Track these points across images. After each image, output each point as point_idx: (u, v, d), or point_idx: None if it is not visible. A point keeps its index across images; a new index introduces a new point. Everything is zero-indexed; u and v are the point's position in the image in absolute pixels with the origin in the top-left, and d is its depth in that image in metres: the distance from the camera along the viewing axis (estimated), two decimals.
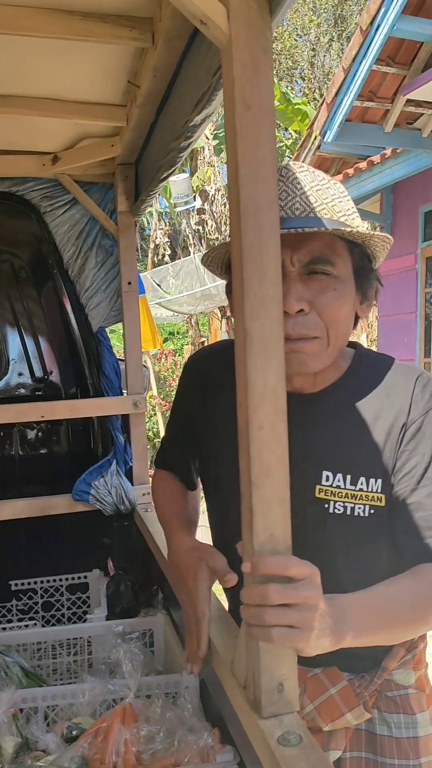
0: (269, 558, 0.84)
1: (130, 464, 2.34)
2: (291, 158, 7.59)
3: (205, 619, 1.11)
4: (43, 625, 2.16)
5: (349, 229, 1.01)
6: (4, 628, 2.13)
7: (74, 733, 1.28)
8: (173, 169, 1.54)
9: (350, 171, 7.11)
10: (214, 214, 13.83)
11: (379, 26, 5.54)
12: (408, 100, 6.20)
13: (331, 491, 1.12)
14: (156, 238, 13.39)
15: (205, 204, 13.69)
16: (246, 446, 0.85)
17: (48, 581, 2.21)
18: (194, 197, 13.42)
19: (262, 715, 0.86)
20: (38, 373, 2.44)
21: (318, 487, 1.13)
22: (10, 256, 2.37)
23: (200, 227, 13.82)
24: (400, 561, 1.11)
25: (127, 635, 1.55)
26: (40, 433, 2.48)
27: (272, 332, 0.84)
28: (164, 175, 1.61)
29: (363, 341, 13.73)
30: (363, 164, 6.95)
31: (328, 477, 1.13)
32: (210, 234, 13.94)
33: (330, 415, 1.15)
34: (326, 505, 1.12)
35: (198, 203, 13.16)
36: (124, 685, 1.31)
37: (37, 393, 2.43)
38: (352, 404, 1.14)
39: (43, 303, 2.40)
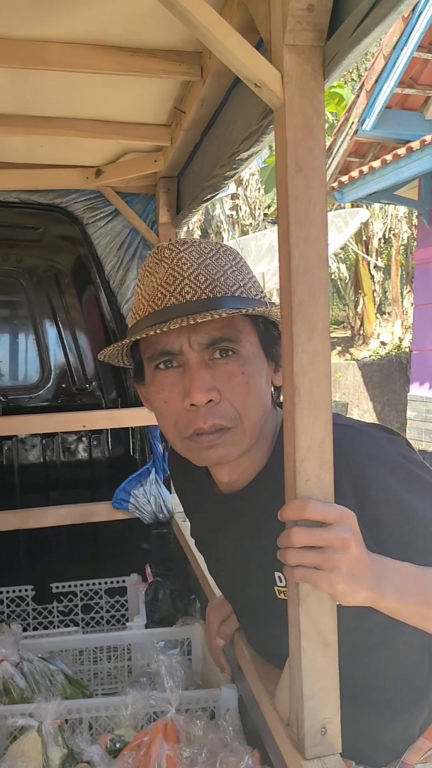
0: (291, 502, 0.84)
1: (168, 473, 2.37)
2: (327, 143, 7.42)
3: (216, 649, 1.37)
4: (82, 627, 2.23)
5: (244, 310, 0.94)
6: (45, 627, 2.20)
7: (117, 745, 1.33)
8: (216, 193, 1.54)
9: (388, 157, 6.97)
10: (248, 199, 13.73)
11: (421, 13, 5.42)
12: None
13: None
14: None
15: (239, 189, 13.59)
16: (292, 498, 0.87)
17: (87, 584, 2.27)
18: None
19: (306, 756, 0.89)
20: (79, 381, 2.50)
21: (276, 588, 1.05)
22: (53, 266, 2.43)
23: (234, 212, 13.74)
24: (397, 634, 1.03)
25: (169, 651, 1.59)
26: (79, 441, 2.55)
27: (320, 388, 0.86)
28: (207, 197, 1.62)
29: (398, 328, 13.54)
30: (402, 150, 6.81)
31: (280, 578, 1.04)
32: (244, 219, 13.84)
33: (265, 508, 1.01)
34: None
35: (232, 188, 13.07)
36: (165, 699, 1.35)
37: (78, 401, 2.49)
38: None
39: (85, 312, 2.46)
